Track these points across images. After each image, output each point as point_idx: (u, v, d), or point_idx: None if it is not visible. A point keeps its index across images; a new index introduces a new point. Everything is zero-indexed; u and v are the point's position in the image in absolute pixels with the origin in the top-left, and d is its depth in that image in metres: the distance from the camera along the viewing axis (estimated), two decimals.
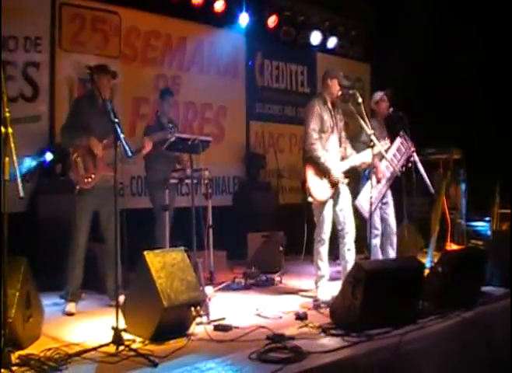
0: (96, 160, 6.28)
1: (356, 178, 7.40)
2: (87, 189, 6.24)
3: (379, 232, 7.63)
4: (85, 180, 6.24)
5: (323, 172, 6.65)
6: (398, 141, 7.66)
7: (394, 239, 7.76)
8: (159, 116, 7.91)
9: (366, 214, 7.19)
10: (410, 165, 7.67)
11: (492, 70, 10.51)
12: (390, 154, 7.53)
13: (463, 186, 9.75)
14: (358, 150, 7.00)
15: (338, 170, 6.67)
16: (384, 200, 7.71)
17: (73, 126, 6.28)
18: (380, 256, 7.57)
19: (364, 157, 6.85)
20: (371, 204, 6.80)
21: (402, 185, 7.69)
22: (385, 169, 7.53)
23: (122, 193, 6.36)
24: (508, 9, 10.06)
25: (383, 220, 7.72)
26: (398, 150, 7.64)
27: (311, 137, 6.63)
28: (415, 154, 7.71)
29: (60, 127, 6.59)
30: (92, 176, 6.24)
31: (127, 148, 5.25)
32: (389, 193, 7.76)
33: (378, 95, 7.93)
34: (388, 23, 11.80)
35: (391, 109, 7.82)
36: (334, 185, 6.66)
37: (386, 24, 11.84)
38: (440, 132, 9.19)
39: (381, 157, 7.28)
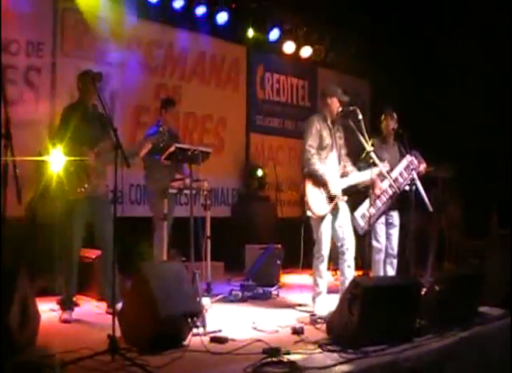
0: (89, 169, 6.24)
1: (355, 195, 7.35)
2: (80, 199, 6.21)
3: (382, 247, 7.58)
4: (79, 190, 6.19)
5: (322, 185, 6.64)
6: (407, 159, 7.60)
7: (395, 261, 7.69)
8: (160, 126, 7.87)
9: (360, 230, 7.19)
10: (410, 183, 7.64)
11: (493, 85, 10.55)
12: (396, 172, 7.49)
13: (461, 205, 9.77)
14: (360, 167, 6.99)
15: (336, 184, 6.66)
16: (390, 221, 7.69)
17: (64, 135, 6.25)
18: (381, 272, 7.55)
19: (363, 176, 6.86)
20: (368, 222, 6.81)
21: (404, 202, 7.63)
22: (387, 188, 7.48)
23: (121, 200, 6.34)
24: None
25: (386, 239, 7.71)
26: (406, 169, 7.58)
27: (308, 153, 6.63)
28: (414, 172, 7.68)
29: (51, 137, 6.56)
30: (86, 185, 6.19)
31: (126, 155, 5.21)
32: (396, 213, 7.74)
33: (381, 115, 7.91)
34: (388, 39, 11.85)
35: (392, 127, 7.79)
36: (333, 199, 6.65)
37: (386, 40, 11.89)
38: (440, 149, 9.18)
39: (383, 176, 7.25)
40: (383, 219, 7.60)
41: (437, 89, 11.02)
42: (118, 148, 5.06)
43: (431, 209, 7.74)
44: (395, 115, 7.75)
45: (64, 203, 6.36)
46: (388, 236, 7.69)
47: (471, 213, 9.83)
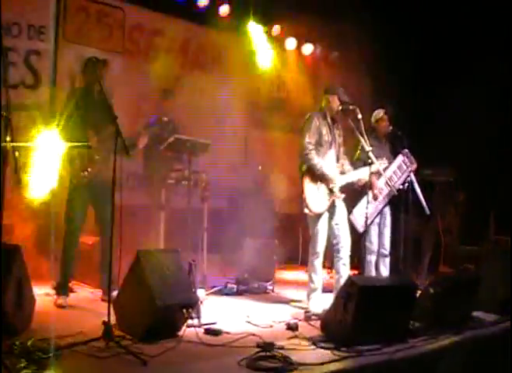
0: (92, 154, 6.22)
1: (352, 194, 7.35)
2: (82, 184, 6.18)
3: (375, 248, 7.64)
4: (82, 174, 6.19)
5: (320, 180, 6.62)
6: (400, 158, 7.65)
7: (387, 260, 7.76)
8: (160, 117, 7.86)
9: (360, 228, 7.21)
10: (407, 184, 7.66)
11: (496, 90, 10.53)
12: (390, 171, 7.55)
13: (458, 209, 9.77)
14: (356, 167, 7.01)
15: (335, 176, 6.65)
16: (382, 220, 7.72)
17: (68, 119, 6.22)
18: (373, 273, 7.56)
19: (362, 174, 6.87)
20: (366, 220, 6.81)
21: (401, 204, 7.65)
22: (383, 186, 7.53)
23: (119, 188, 6.30)
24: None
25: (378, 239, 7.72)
26: (399, 168, 7.63)
27: (307, 148, 6.61)
28: (412, 174, 7.70)
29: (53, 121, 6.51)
30: (89, 169, 6.19)
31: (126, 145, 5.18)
32: (388, 213, 7.77)
33: (378, 113, 7.91)
34: (391, 38, 11.83)
35: (391, 128, 7.79)
36: (331, 193, 6.63)
37: (388, 39, 11.87)
38: (439, 153, 9.19)
39: (379, 175, 7.28)
40: (377, 219, 7.62)
41: (439, 90, 10.98)
42: (118, 136, 5.04)
43: (428, 212, 7.77)
44: (388, 116, 7.77)
45: (66, 187, 6.33)
46: (380, 235, 7.73)
47: (468, 218, 9.83)
